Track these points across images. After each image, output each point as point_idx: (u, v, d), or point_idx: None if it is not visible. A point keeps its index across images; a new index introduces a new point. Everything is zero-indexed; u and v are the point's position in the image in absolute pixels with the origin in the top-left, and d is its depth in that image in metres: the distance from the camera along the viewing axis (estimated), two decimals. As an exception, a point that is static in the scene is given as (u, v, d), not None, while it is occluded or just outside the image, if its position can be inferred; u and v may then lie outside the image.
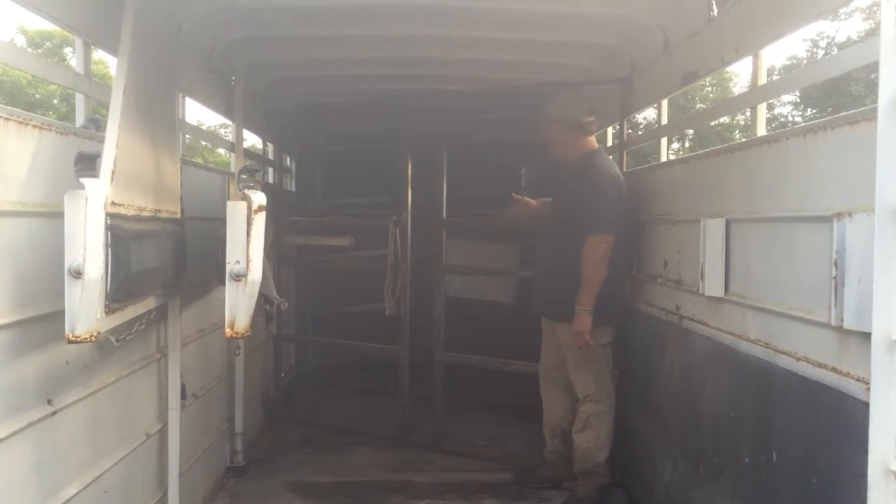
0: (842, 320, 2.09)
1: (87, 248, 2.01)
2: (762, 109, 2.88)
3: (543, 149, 4.28)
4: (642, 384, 3.98)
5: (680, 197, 3.57)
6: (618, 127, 4.67)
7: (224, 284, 2.57)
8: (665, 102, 4.06)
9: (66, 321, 2.08)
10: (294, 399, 6.11)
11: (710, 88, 29.65)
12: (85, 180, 2.04)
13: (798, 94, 28.60)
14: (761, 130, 2.88)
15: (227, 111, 4.57)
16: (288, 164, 6.76)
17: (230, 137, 4.87)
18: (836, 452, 2.16)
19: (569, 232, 3.96)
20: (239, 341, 4.29)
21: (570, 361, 4.14)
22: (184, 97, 3.87)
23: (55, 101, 27.47)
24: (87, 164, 2.05)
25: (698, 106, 24.97)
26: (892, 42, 1.74)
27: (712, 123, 26.46)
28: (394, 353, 5.37)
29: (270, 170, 6.11)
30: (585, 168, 4.08)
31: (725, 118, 28.76)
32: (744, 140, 2.93)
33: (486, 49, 4.66)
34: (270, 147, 6.18)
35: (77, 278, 2.02)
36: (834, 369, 2.19)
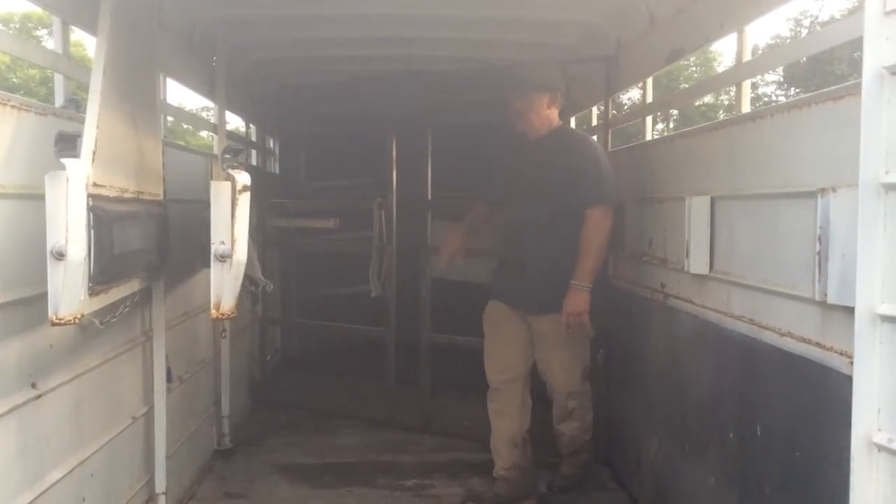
0: (825, 295, 2.10)
1: (70, 229, 1.98)
2: (747, 86, 2.89)
3: (504, 124, 3.92)
4: (628, 363, 4.00)
5: (665, 175, 3.57)
6: (602, 106, 4.66)
7: (208, 267, 2.55)
8: (650, 81, 4.06)
9: (49, 303, 2.06)
10: (280, 382, 6.10)
11: (694, 69, 29.71)
12: (66, 160, 2.01)
13: (782, 73, 28.72)
14: (746, 107, 2.88)
15: (209, 92, 4.52)
16: (271, 146, 6.71)
17: (213, 119, 4.82)
18: (819, 426, 2.19)
19: (550, 210, 3.66)
20: (225, 324, 4.28)
21: (555, 358, 3.79)
22: (165, 78, 3.82)
23: (33, 86, 27.11)
24: (68, 143, 2.02)
25: (682, 86, 25.00)
26: (877, 17, 1.74)
27: (696, 104, 26.56)
28: (380, 335, 5.37)
29: (254, 152, 6.06)
30: (568, 138, 3.85)
31: (710, 98, 28.92)
32: (728, 117, 2.93)
33: (470, 28, 4.63)
34: (253, 129, 6.14)
35: (59, 260, 2.00)
36: (818, 344, 2.21)
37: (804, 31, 28.60)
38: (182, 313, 3.90)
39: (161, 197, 3.19)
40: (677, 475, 3.30)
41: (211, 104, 4.76)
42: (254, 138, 6.10)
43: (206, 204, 2.57)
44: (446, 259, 4.13)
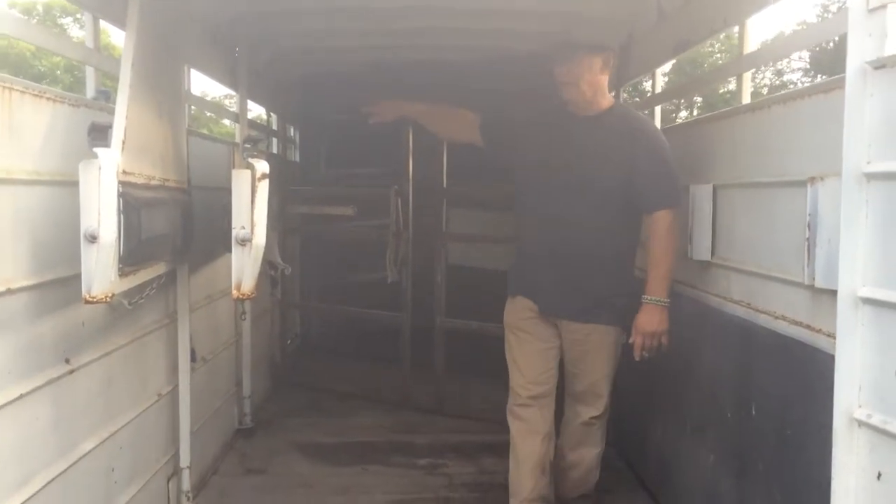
0: (814, 279, 2.20)
1: (101, 214, 2.13)
2: (748, 78, 2.98)
3: (550, 92, 3.30)
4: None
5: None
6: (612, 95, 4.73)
7: (230, 252, 2.69)
8: (659, 71, 4.14)
9: (83, 283, 2.21)
10: (300, 365, 6.27)
11: (719, 55, 29.55)
12: (98, 150, 2.16)
13: (808, 61, 28.49)
14: (746, 98, 2.98)
15: (231, 82, 4.66)
16: (292, 134, 6.86)
17: (235, 108, 4.97)
18: (807, 404, 2.29)
19: (606, 206, 3.15)
20: (245, 306, 4.44)
21: (597, 375, 3.30)
22: (189, 69, 3.97)
23: (59, 73, 27.52)
24: (100, 134, 2.17)
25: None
26: (860, 14, 1.84)
27: (721, 90, 26.44)
28: (396, 320, 5.51)
29: (275, 140, 6.21)
30: (633, 123, 3.22)
31: (734, 85, 28.70)
32: (730, 108, 3.02)
33: (486, 18, 4.72)
34: (275, 118, 6.28)
35: (92, 242, 2.15)
36: (808, 326, 2.31)
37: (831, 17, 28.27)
38: (205, 296, 4.06)
39: (185, 184, 3.33)
40: (680, 454, 3.41)
41: (234, 92, 4.91)
42: (275, 127, 6.24)
43: (228, 191, 2.71)
44: (379, 109, 3.69)
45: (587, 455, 3.41)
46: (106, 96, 2.88)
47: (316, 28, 5.02)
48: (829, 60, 26.91)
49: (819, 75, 28.87)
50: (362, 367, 6.18)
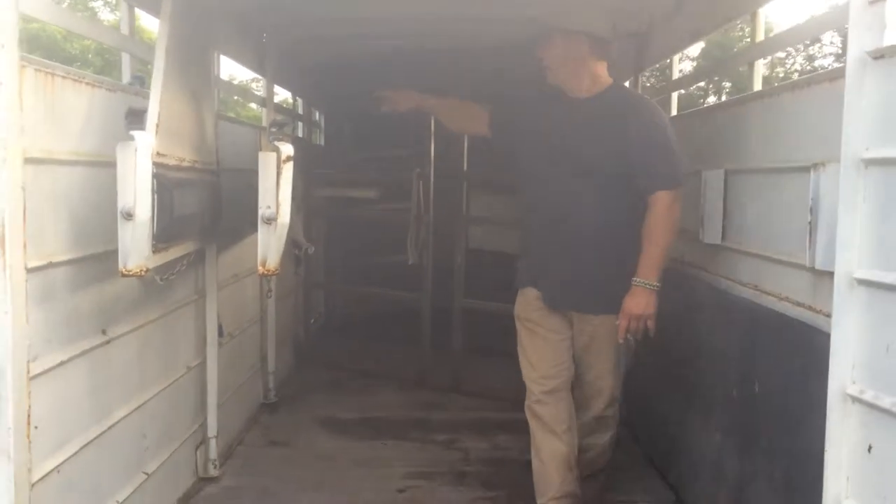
0: (815, 262, 2.29)
1: (137, 193, 2.27)
2: (759, 65, 3.04)
3: (536, 76, 3.25)
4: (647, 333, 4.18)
5: (685, 150, 3.72)
6: (631, 81, 4.80)
7: (255, 232, 2.83)
8: (676, 58, 4.19)
9: (120, 257, 2.35)
10: (322, 344, 6.43)
11: (746, 40, 29.27)
12: (134, 132, 2.29)
13: (840, 46, 28.09)
14: (758, 86, 3.04)
15: (258, 67, 4.79)
16: (317, 118, 6.99)
17: (261, 92, 5.10)
18: (807, 382, 2.37)
19: (603, 187, 3.06)
20: (270, 284, 4.59)
21: (607, 364, 3.25)
22: (219, 55, 4.10)
23: (90, 56, 27.88)
24: (136, 118, 2.30)
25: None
26: (860, 6, 1.91)
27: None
28: (416, 301, 5.63)
29: (300, 124, 6.34)
30: (627, 99, 3.17)
31: (766, 70, 28.38)
32: (742, 95, 3.09)
33: (506, 7, 4.78)
34: (300, 102, 6.41)
35: (128, 220, 2.29)
36: (809, 307, 2.40)
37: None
38: (232, 275, 4.21)
39: (214, 166, 3.47)
40: (686, 431, 3.51)
41: (261, 77, 5.04)
42: (300, 111, 6.37)
43: (254, 173, 2.84)
44: (392, 98, 3.63)
45: (600, 440, 3.41)
46: (140, 81, 3.01)
47: (341, 14, 5.12)
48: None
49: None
50: (383, 347, 6.32)
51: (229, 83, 5.27)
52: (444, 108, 3.70)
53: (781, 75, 28.34)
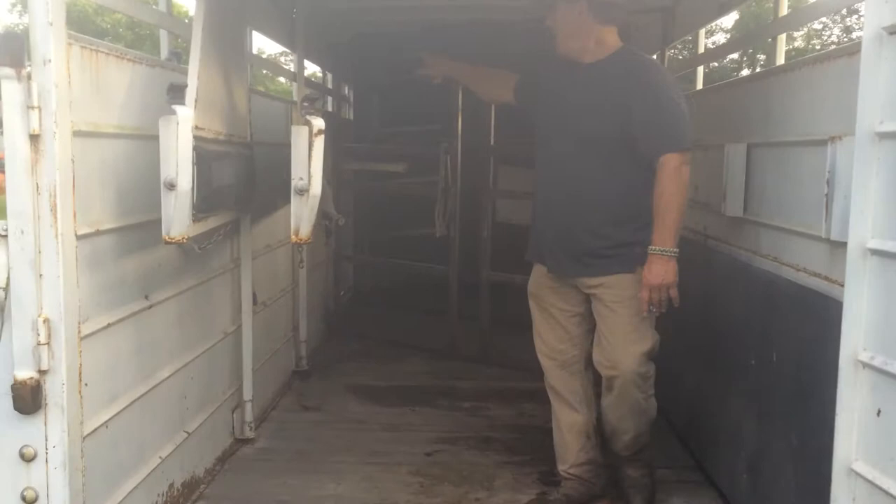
0: (831, 233, 2.35)
1: (179, 165, 2.39)
2: (782, 40, 3.08)
3: (546, 45, 3.20)
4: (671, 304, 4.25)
5: (709, 124, 3.77)
6: (658, 55, 4.82)
7: (288, 203, 2.94)
8: (702, 32, 4.21)
9: (163, 225, 2.49)
10: (352, 315, 6.58)
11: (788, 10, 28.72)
12: (176, 107, 2.41)
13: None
14: (781, 60, 3.08)
15: (289, 42, 4.89)
16: (346, 93, 7.08)
17: (291, 67, 5.20)
18: (823, 350, 2.44)
19: (606, 150, 3.00)
20: (303, 254, 4.74)
21: (618, 332, 3.08)
22: (250, 30, 4.20)
23: (121, 30, 28.16)
24: (178, 93, 2.42)
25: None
26: (878, -19, 1.95)
27: (787, 48, 25.80)
28: (444, 273, 5.74)
29: (329, 99, 6.44)
30: (632, 61, 3.06)
31: (800, 42, 28.01)
32: (765, 69, 3.12)
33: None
34: (330, 77, 6.50)
35: (171, 190, 2.42)
36: (826, 277, 2.46)
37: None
38: (265, 245, 4.35)
39: (248, 139, 3.59)
40: (707, 399, 3.59)
41: (290, 52, 5.14)
42: (330, 86, 6.47)
43: (286, 146, 2.95)
44: (427, 64, 3.64)
45: (631, 424, 3.19)
46: (178, 57, 3.14)
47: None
48: (901, 17, 25.92)
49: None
50: (411, 318, 6.45)
51: (259, 57, 5.37)
52: (476, 75, 3.69)
53: (818, 47, 27.85)
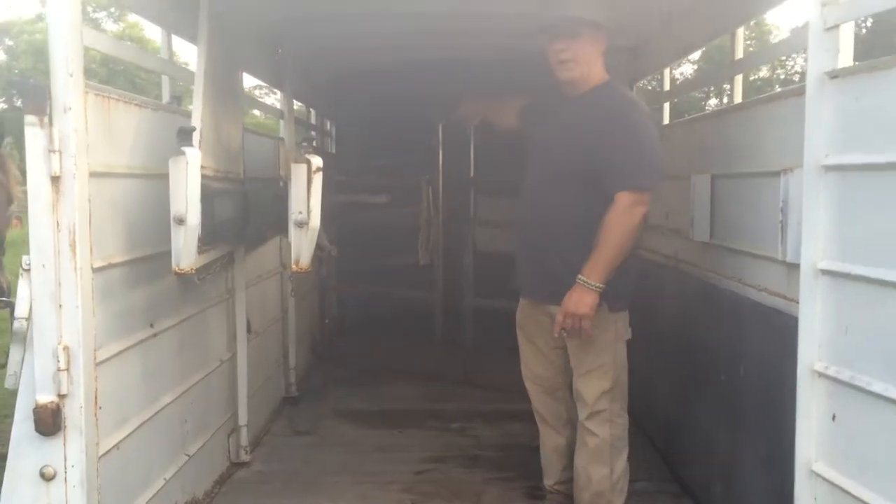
0: (786, 256, 2.58)
1: (188, 201, 2.58)
2: (739, 80, 3.34)
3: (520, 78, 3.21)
4: (646, 322, 4.46)
5: (677, 156, 4.01)
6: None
7: (278, 236, 3.12)
8: (667, 71, 4.49)
9: (173, 257, 2.66)
10: (338, 343, 6.73)
11: (749, 42, 29.61)
12: (185, 148, 2.60)
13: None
14: (738, 98, 3.34)
15: (277, 82, 5.10)
16: (329, 128, 7.30)
17: (267, 101, 5.38)
18: (782, 363, 2.66)
19: (580, 186, 3.03)
20: (292, 284, 4.90)
21: (581, 364, 3.16)
22: (241, 73, 4.39)
23: (94, 66, 28.25)
24: (186, 136, 2.61)
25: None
26: (818, 32, 2.21)
27: (752, 78, 26.59)
28: (427, 300, 5.92)
29: (313, 133, 6.64)
30: (611, 98, 3.06)
31: (765, 72, 28.84)
32: (725, 106, 3.38)
33: (507, 20, 5.05)
34: (313, 113, 6.71)
35: (180, 224, 2.60)
36: (784, 296, 2.69)
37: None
38: (256, 276, 4.51)
39: (241, 175, 3.78)
40: (680, 413, 3.80)
41: (261, 83, 5.30)
42: (313, 121, 6.68)
43: (275, 181, 3.14)
44: (465, 117, 3.82)
45: (594, 475, 3.17)
46: (178, 101, 3.33)
47: (349, 30, 5.40)
48: (863, 49, 26.90)
49: (854, 62, 28.72)
50: (396, 345, 6.59)
51: (252, 98, 5.57)
52: (498, 107, 3.70)
53: (783, 77, 28.68)
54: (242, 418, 4.03)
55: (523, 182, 3.29)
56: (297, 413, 4.98)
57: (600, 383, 3.13)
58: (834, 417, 2.20)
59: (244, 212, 3.72)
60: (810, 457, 2.27)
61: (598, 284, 2.92)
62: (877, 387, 1.98)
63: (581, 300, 2.92)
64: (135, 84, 25.29)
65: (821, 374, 2.23)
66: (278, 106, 5.37)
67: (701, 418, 3.53)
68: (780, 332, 2.68)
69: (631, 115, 3.01)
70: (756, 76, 27.74)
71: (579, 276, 2.94)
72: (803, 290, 2.26)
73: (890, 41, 24.82)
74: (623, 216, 2.90)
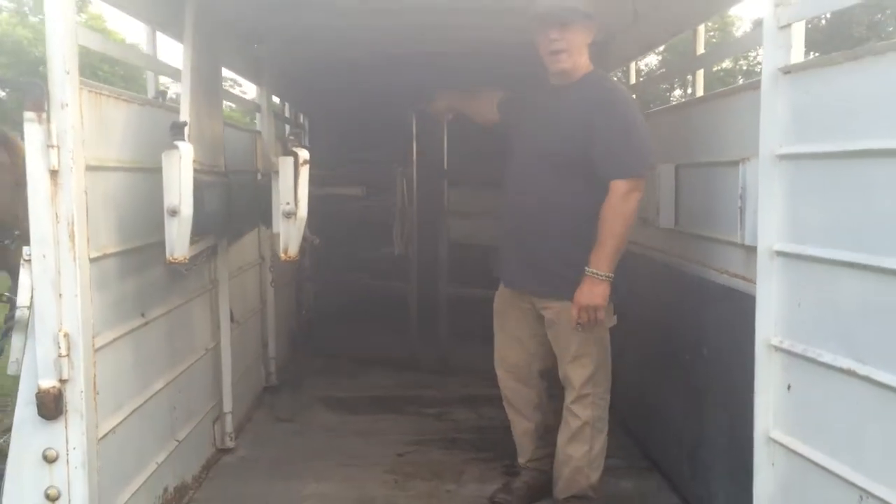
0: (745, 239, 2.77)
1: (182, 193, 2.69)
2: (700, 74, 3.52)
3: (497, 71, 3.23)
4: (620, 310, 4.65)
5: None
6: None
7: (258, 227, 3.21)
8: (633, 65, 4.67)
9: (167, 248, 2.77)
10: (316, 333, 6.83)
11: (712, 34, 30.08)
12: (178, 143, 2.71)
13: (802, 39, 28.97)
14: (699, 92, 3.52)
15: (255, 77, 5.19)
16: (303, 121, 7.38)
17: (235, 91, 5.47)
18: (742, 341, 2.84)
19: (568, 175, 3.11)
20: (272, 275, 5.01)
21: (566, 352, 3.25)
22: (221, 67, 4.48)
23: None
24: (179, 130, 2.72)
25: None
26: (773, 30, 2.38)
27: (715, 69, 27.12)
28: (403, 290, 6.06)
29: (287, 127, 6.73)
30: (599, 87, 3.14)
31: (728, 63, 29.43)
32: (686, 100, 3.57)
33: (480, 15, 5.18)
34: (287, 106, 6.80)
35: (174, 216, 2.71)
36: (743, 277, 2.87)
37: None
38: (237, 268, 4.61)
39: (223, 168, 3.88)
40: (651, 394, 3.99)
41: (233, 75, 5.36)
42: (287, 114, 6.77)
43: (253, 174, 3.23)
44: (439, 111, 3.89)
45: (574, 452, 3.29)
46: (163, 96, 3.42)
47: (323, 23, 5.48)
48: (822, 39, 27.47)
49: (812, 52, 29.36)
50: (373, 334, 6.72)
51: (229, 92, 5.64)
52: (472, 100, 3.75)
53: (745, 68, 29.19)
54: (227, 405, 4.14)
55: (507, 172, 3.33)
56: (278, 401, 5.09)
57: (587, 369, 3.24)
58: (789, 388, 2.39)
59: (228, 204, 3.82)
60: (768, 425, 2.45)
61: (607, 274, 3.02)
62: (827, 357, 2.16)
63: (593, 291, 3.02)
64: (97, 76, 24.96)
65: (777, 348, 2.42)
66: (249, 99, 5.46)
67: (668, 397, 3.72)
68: (741, 310, 2.85)
69: (622, 105, 3.10)
70: (719, 67, 28.22)
71: (587, 267, 3.02)
72: (760, 270, 2.44)
73: (849, 31, 25.45)
74: (621, 203, 3.01)
